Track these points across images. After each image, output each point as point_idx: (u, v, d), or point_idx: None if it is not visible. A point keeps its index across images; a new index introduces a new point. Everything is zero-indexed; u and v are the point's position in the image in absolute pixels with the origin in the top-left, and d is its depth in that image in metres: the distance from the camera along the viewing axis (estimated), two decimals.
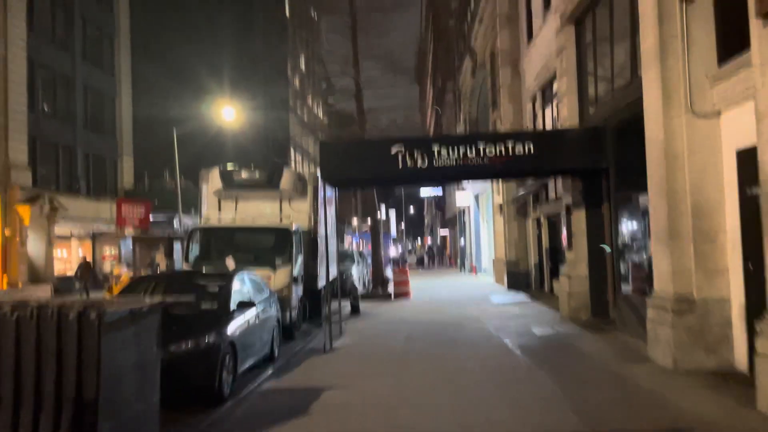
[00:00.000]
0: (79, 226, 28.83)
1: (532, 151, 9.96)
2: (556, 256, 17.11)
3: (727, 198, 7.11)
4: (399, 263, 31.71)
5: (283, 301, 11.32)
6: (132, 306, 4.98)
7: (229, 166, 13.56)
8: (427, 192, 55.98)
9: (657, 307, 7.70)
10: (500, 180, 17.93)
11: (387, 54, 20.31)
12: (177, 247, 29.46)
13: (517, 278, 19.48)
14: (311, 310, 13.85)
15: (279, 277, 11.76)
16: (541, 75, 16.06)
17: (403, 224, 68.22)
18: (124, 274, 25.85)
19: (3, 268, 23.51)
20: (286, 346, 10.90)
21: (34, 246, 25.13)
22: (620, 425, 5.59)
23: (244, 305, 8.40)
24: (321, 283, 14.03)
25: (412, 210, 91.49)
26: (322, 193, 13.74)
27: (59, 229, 26.73)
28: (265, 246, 12.62)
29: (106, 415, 4.46)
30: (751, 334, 6.23)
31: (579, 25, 11.43)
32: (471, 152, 9.96)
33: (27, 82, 24.84)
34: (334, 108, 30.04)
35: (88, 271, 23.85)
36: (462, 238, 37.05)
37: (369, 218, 64.74)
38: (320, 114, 60.31)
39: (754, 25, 5.64)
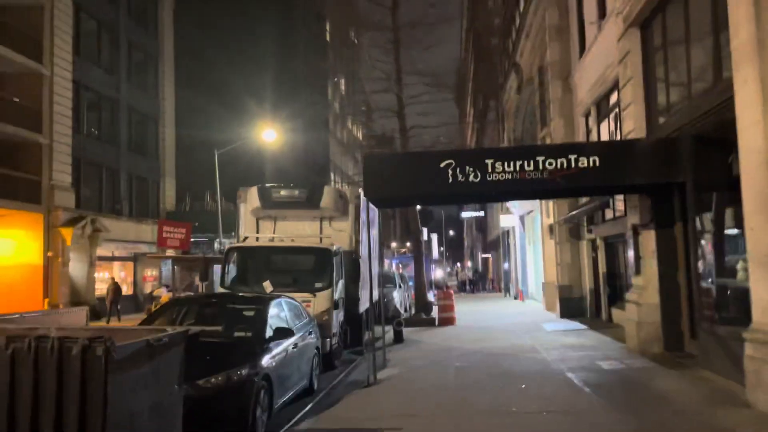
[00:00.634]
0: (121, 248, 28.88)
1: (597, 164, 8.98)
2: (614, 281, 15.87)
3: None
4: (441, 287, 30.62)
5: (323, 328, 10.54)
6: (149, 337, 4.24)
7: (268, 185, 12.97)
8: (468, 213, 54.85)
9: (758, 342, 6.57)
10: (550, 199, 16.79)
11: (431, 69, 19.74)
12: (216, 269, 29.21)
13: (569, 304, 18.22)
14: (352, 336, 13.02)
15: (319, 302, 11.00)
16: (597, 87, 15.07)
17: (442, 247, 66.99)
18: (164, 295, 25.60)
19: (45, 290, 23.53)
20: (325, 376, 10.09)
21: (76, 268, 25.15)
22: None
23: (281, 333, 7.64)
24: (362, 307, 13.20)
25: (451, 233, 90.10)
26: (365, 211, 12.98)
27: (101, 250, 26.75)
28: (305, 268, 11.92)
29: None
30: None
31: (645, 29, 10.46)
32: (528, 166, 9.05)
33: (72, 104, 25.12)
34: (374, 129, 29.43)
35: (117, 294, 23.55)
36: (506, 262, 35.75)
37: (408, 241, 63.89)
38: (360, 136, 60.14)
39: None
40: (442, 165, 9.20)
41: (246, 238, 12.53)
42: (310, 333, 9.24)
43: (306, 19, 43.37)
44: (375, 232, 14.58)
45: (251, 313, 8.11)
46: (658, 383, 8.36)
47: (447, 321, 18.15)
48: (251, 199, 12.85)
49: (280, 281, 11.17)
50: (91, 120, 27.99)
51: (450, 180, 9.18)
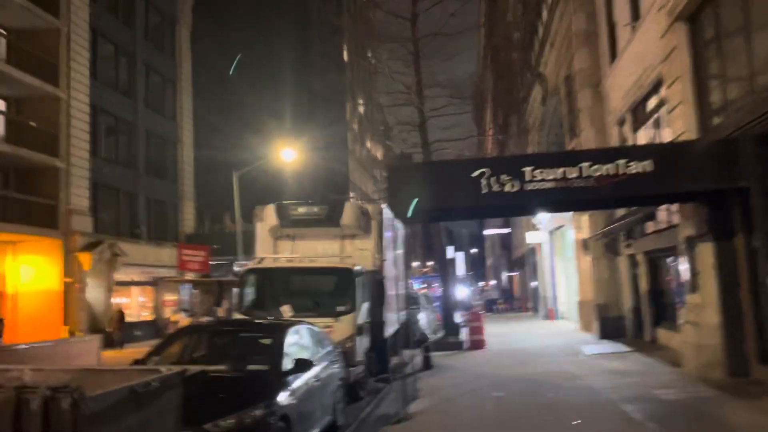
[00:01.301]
0: (140, 272, 28.35)
1: (649, 169, 8.05)
2: (659, 299, 14.75)
3: None
4: (468, 308, 29.51)
5: (347, 356, 9.64)
6: (135, 382, 3.43)
7: (286, 202, 12.23)
8: (491, 231, 53.66)
9: None
10: (596, 210, 15.74)
11: (453, 80, 19.04)
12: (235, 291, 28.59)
13: (607, 325, 17.05)
14: (378, 363, 12.09)
15: (342, 327, 10.13)
16: (633, 92, 14.15)
17: (464, 267, 65.68)
18: (184, 320, 24.95)
19: (64, 317, 23.02)
20: (351, 408, 9.17)
21: (94, 293, 24.66)
22: None
23: (300, 365, 6.77)
24: (388, 331, 12.29)
25: (472, 251, 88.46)
26: (389, 229, 12.15)
27: (120, 275, 26.24)
28: (326, 290, 11.10)
29: None
30: None
31: (693, 22, 9.57)
32: (572, 173, 8.16)
33: (89, 128, 24.85)
34: (393, 149, 28.74)
35: (120, 323, 22.80)
36: (534, 280, 34.52)
37: (430, 260, 62.78)
38: (378, 156, 59.66)
39: None
40: (474, 174, 8.34)
41: (263, 259, 11.76)
42: (333, 362, 8.37)
43: (323, 37, 43.17)
44: (400, 251, 13.75)
45: (267, 342, 7.29)
46: (728, 416, 7.31)
47: (477, 344, 17.11)
48: (268, 217, 12.12)
49: (300, 305, 10.37)
50: (109, 143, 27.73)
51: (484, 191, 8.32)
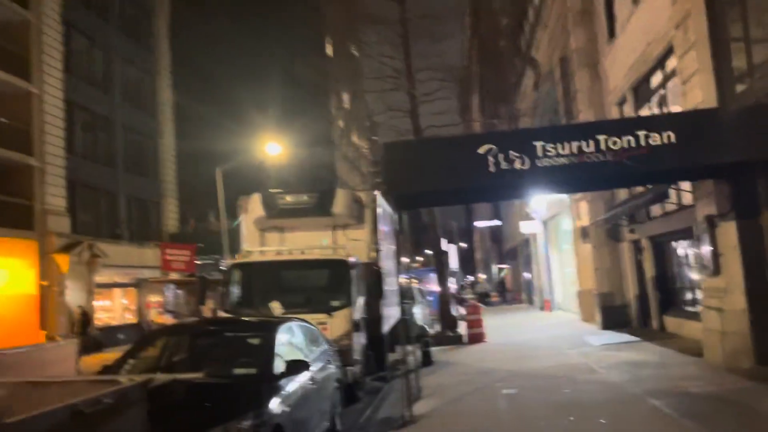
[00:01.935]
0: (122, 273, 27.23)
1: (673, 140, 7.32)
2: (666, 285, 14.11)
3: None
4: (462, 300, 28.81)
5: (344, 354, 8.83)
6: (79, 400, 2.60)
7: (272, 190, 11.37)
8: (482, 222, 53.13)
9: None
10: (616, 188, 15.00)
11: (444, 63, 18.17)
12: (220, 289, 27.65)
13: (610, 314, 16.40)
14: (375, 361, 11.29)
15: (336, 324, 9.32)
16: (636, 68, 13.47)
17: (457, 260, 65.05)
18: (170, 322, 23.98)
19: (41, 321, 21.95)
20: (349, 411, 8.39)
21: (74, 296, 23.56)
22: None
23: (294, 366, 5.95)
24: (386, 327, 11.50)
25: (460, 244, 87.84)
26: (384, 218, 11.35)
27: (101, 277, 25.13)
28: (318, 284, 10.29)
29: None
30: None
31: None
32: (588, 147, 7.40)
33: (64, 124, 23.73)
34: (381, 142, 27.80)
35: (84, 326, 21.39)
36: (528, 271, 33.92)
37: (419, 255, 62.05)
38: (366, 150, 58.75)
39: None
40: (480, 151, 7.56)
41: (249, 253, 10.90)
42: (329, 362, 7.57)
43: (307, 23, 42.05)
44: (394, 241, 12.97)
45: (256, 343, 6.46)
46: None
47: (477, 338, 16.41)
48: (254, 208, 11.26)
49: (291, 301, 9.54)
50: (86, 140, 26.55)
51: (492, 169, 7.54)
